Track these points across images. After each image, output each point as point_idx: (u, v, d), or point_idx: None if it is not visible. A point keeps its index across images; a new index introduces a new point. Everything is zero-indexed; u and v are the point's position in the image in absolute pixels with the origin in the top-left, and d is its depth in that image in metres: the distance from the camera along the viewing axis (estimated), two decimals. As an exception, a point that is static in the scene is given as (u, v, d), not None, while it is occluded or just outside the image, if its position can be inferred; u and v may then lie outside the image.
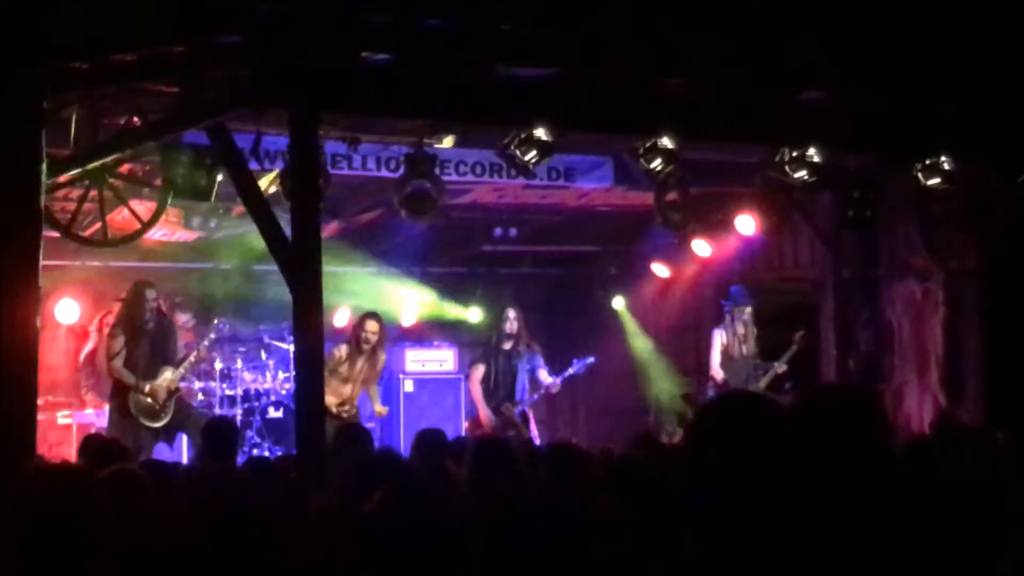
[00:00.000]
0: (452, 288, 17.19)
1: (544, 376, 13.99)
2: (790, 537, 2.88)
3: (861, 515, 3.36)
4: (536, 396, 14.14)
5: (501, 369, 13.86)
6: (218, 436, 9.11)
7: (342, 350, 13.69)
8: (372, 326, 13.84)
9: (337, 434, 8.56)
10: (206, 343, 13.60)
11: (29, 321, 8.34)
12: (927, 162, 11.63)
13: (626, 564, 4.63)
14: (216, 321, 14.08)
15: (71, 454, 11.24)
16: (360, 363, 13.75)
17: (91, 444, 8.93)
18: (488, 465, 6.83)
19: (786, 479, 2.92)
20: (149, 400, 12.46)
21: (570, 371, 14.36)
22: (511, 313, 13.97)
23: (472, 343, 16.11)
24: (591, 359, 14.59)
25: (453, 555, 3.78)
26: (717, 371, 14.28)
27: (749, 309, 14.35)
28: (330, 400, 12.11)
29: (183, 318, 14.44)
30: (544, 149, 10.38)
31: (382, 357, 14.09)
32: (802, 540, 2.90)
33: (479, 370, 13.96)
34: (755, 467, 2.91)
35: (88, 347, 14.33)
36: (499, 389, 13.83)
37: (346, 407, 13.56)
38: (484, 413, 13.77)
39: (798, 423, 3.30)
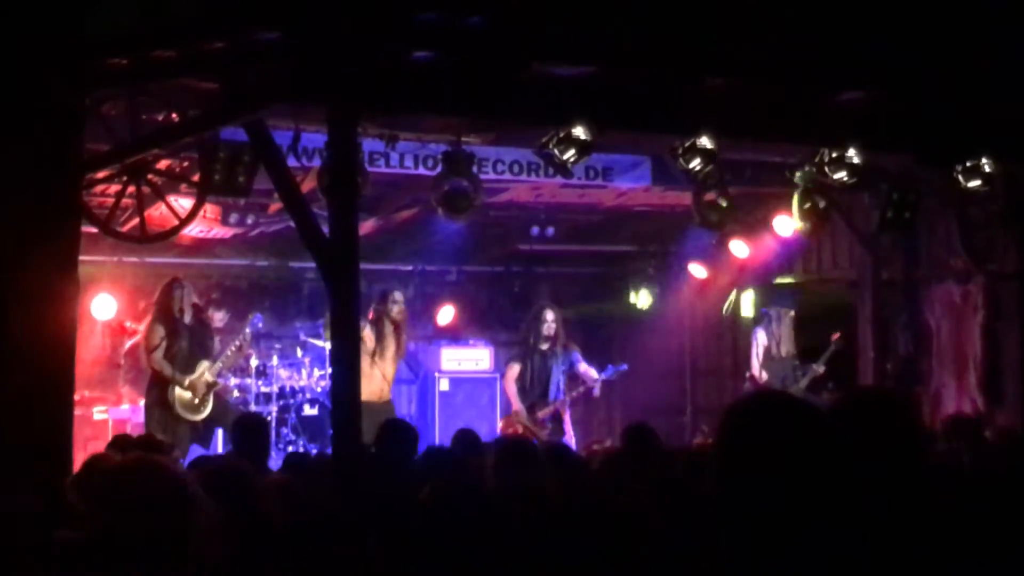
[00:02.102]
0: (488, 287, 17.20)
1: (584, 368, 13.86)
2: (819, 538, 2.86)
3: (893, 518, 3.34)
4: (576, 392, 13.96)
5: (537, 369, 13.77)
6: (250, 432, 9.15)
7: (366, 333, 13.05)
8: (398, 296, 13.69)
9: (382, 430, 8.52)
10: (245, 336, 13.61)
11: (67, 316, 8.37)
12: (967, 164, 11.54)
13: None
14: (251, 316, 14.11)
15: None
16: (388, 343, 13.46)
17: (120, 445, 8.95)
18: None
19: (816, 480, 2.90)
20: (189, 393, 12.53)
21: (603, 375, 14.24)
22: (549, 315, 13.85)
23: (508, 342, 16.07)
24: (624, 366, 14.48)
25: None
26: (758, 372, 14.23)
27: (792, 312, 14.32)
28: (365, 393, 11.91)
29: (218, 315, 14.46)
30: (582, 148, 10.33)
31: (403, 337, 13.77)
32: (832, 541, 2.88)
33: (515, 368, 13.85)
34: (782, 466, 2.89)
35: (132, 341, 14.34)
36: (534, 388, 13.75)
37: (384, 394, 13.39)
38: (517, 407, 13.68)
39: (835, 426, 3.28)
